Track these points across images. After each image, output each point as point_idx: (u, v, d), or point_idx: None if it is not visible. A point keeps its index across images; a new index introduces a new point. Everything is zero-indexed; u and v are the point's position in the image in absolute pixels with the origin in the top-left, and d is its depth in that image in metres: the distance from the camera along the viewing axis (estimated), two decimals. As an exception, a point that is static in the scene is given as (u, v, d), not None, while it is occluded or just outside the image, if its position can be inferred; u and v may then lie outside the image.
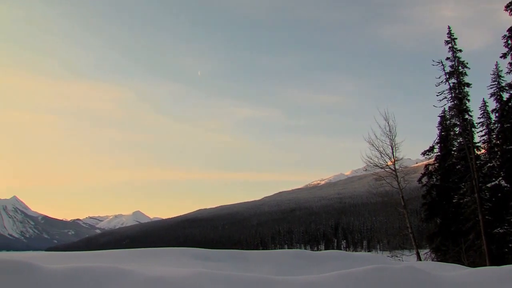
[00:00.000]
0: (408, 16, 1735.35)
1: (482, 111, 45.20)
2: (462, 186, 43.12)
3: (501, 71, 43.26)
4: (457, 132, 45.25)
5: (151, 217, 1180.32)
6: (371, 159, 42.67)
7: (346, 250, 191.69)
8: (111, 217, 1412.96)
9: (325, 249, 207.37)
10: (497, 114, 42.65)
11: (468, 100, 43.26)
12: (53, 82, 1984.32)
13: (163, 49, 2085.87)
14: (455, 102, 43.09)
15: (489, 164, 42.86)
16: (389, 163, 42.77)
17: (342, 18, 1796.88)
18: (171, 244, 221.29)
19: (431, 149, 47.34)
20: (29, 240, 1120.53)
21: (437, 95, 43.98)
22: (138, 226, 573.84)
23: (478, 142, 44.14)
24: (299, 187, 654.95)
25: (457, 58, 42.89)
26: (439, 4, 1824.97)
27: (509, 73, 40.07)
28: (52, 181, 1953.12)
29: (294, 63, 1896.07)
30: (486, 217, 38.52)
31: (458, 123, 44.09)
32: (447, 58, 43.16)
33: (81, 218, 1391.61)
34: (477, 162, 40.28)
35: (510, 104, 40.85)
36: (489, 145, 44.32)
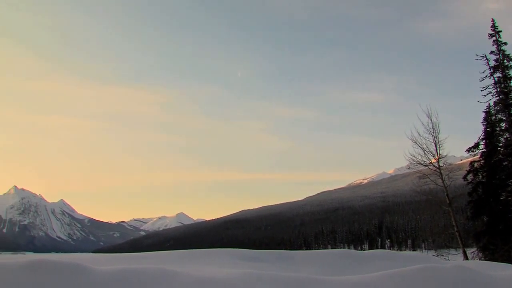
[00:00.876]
0: (450, 10, 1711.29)
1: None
2: (510, 183, 42.08)
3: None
4: (503, 128, 44.14)
5: (195, 218, 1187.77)
6: (414, 157, 41.97)
7: (391, 250, 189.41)
8: (155, 219, 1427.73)
9: (369, 248, 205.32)
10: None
11: (515, 94, 42.26)
12: (97, 87, 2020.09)
13: (203, 52, 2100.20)
14: (500, 96, 42.10)
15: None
16: (433, 160, 42.04)
17: (381, 15, 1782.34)
18: (215, 245, 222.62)
19: (476, 145, 46.26)
20: (76, 242, 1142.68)
21: (481, 90, 43.11)
22: (181, 228, 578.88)
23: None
24: (342, 186, 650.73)
25: (502, 52, 41.92)
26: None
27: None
28: (98, 184, 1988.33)
29: (335, 62, 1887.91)
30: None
31: (504, 118, 42.98)
32: (491, 52, 42.22)
33: (126, 220, 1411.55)
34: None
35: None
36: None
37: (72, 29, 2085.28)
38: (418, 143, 41.43)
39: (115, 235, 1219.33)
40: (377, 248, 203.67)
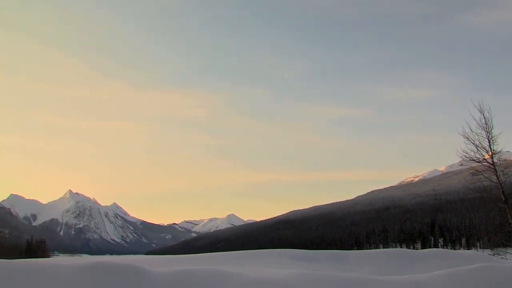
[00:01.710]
0: (501, 2, 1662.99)
1: None
2: None
3: None
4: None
5: (245, 219, 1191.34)
6: (466, 153, 41.00)
7: (444, 248, 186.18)
8: (206, 220, 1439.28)
9: (422, 247, 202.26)
10: None
11: None
12: (146, 92, 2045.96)
13: (250, 54, 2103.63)
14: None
15: None
16: (487, 156, 41.06)
17: (430, 9, 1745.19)
18: (265, 246, 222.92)
19: (533, 139, 45.06)
20: (129, 244, 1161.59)
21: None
22: (232, 229, 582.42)
23: None
24: (392, 185, 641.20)
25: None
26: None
27: None
28: (149, 187, 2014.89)
29: (383, 59, 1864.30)
30: None
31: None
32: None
33: (177, 223, 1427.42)
34: None
35: None
36: None
37: (118, 36, 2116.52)
38: (470, 139, 40.48)
39: (167, 237, 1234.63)
40: (430, 247, 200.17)
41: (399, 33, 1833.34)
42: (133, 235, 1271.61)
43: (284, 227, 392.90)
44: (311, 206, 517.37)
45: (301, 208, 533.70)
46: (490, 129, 40.20)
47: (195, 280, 12.62)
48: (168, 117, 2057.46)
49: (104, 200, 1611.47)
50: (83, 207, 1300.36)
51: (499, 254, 43.56)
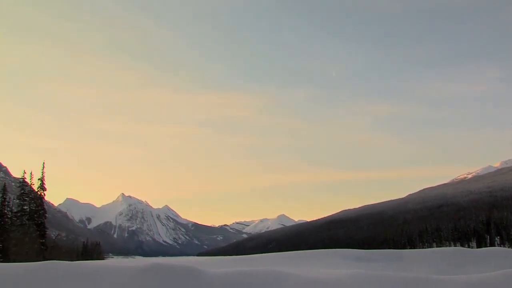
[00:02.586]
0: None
1: None
2: None
3: None
4: None
5: (296, 220, 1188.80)
6: (523, 148, 39.81)
7: (502, 247, 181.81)
8: (256, 221, 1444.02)
9: (477, 246, 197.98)
10: None
11: None
12: (195, 94, 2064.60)
13: (295, 53, 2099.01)
14: None
15: None
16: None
17: (478, 2, 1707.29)
18: (316, 246, 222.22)
19: None
20: (181, 246, 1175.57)
21: None
22: (283, 230, 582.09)
23: None
24: (445, 182, 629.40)
25: None
26: None
27: None
28: (200, 189, 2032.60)
29: (433, 54, 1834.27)
30: None
31: None
32: None
33: (228, 224, 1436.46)
34: None
35: None
36: None
37: (160, 42, 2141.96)
38: (527, 134, 39.17)
39: (218, 238, 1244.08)
40: (485, 246, 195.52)
41: (449, 27, 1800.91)
42: (184, 237, 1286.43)
43: (335, 227, 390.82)
44: (362, 205, 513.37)
45: (352, 207, 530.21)
46: (547, 124, 38.71)
47: (251, 281, 12.59)
48: (216, 119, 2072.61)
49: (156, 202, 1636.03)
50: (135, 210, 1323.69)
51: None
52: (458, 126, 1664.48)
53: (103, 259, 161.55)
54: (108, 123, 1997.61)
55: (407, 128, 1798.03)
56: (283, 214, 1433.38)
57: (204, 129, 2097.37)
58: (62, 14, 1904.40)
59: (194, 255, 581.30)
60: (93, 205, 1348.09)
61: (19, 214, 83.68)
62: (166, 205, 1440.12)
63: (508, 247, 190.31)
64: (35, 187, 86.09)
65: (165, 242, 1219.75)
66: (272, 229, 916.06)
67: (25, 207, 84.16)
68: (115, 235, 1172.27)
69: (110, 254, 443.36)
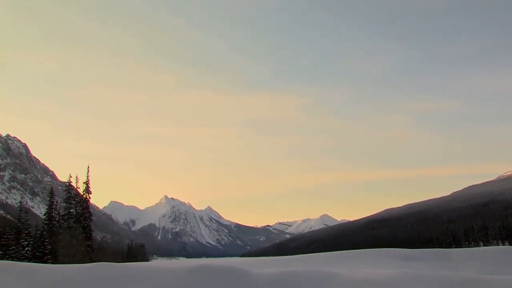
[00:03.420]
0: None
1: None
2: None
3: None
4: None
5: (339, 219, 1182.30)
6: None
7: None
8: (299, 221, 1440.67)
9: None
10: None
11: None
12: (234, 95, 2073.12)
13: (334, 53, 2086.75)
14: None
15: None
16: None
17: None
18: (360, 245, 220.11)
19: None
20: (224, 247, 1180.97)
21: None
22: (326, 230, 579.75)
23: None
24: (491, 179, 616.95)
25: None
26: None
27: None
28: (242, 190, 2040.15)
29: (476, 49, 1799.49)
30: None
31: None
32: None
33: (271, 224, 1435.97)
34: None
35: None
36: None
37: (202, 45, 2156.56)
38: None
39: (261, 239, 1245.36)
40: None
41: (493, 21, 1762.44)
42: (228, 238, 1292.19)
43: (378, 226, 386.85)
44: (405, 204, 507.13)
45: (395, 206, 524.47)
46: None
47: (300, 281, 12.58)
48: (257, 120, 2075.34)
49: (198, 204, 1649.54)
50: (178, 212, 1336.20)
51: None
52: (503, 121, 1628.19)
53: (148, 261, 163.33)
54: (151, 127, 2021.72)
55: (451, 124, 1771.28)
56: (326, 214, 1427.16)
57: (245, 130, 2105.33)
58: (101, 19, 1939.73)
59: (237, 256, 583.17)
60: (137, 208, 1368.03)
61: (66, 217, 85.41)
62: (208, 206, 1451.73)
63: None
64: (81, 190, 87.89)
65: (208, 243, 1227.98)
66: (315, 229, 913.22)
67: (72, 210, 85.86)
68: (159, 237, 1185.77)
69: (154, 255, 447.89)
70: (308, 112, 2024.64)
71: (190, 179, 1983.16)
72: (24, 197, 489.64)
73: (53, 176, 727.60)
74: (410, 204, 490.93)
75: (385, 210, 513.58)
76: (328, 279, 12.75)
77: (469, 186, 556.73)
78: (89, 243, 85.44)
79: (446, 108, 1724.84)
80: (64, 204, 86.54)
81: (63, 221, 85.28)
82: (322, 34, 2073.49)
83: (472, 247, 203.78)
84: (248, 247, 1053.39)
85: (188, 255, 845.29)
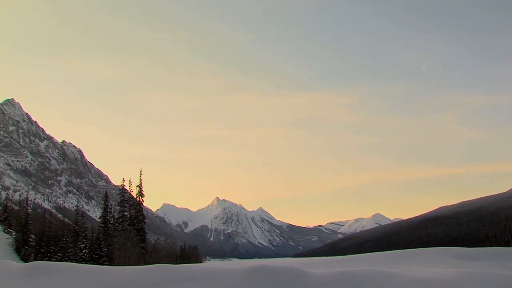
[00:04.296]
0: None
1: None
2: None
3: None
4: None
5: (391, 218, 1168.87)
6: None
7: None
8: (351, 221, 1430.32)
9: None
10: None
11: None
12: (282, 96, 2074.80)
13: (383, 49, 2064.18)
14: None
15: None
16: None
17: None
18: (413, 245, 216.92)
19: None
20: (276, 247, 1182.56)
21: None
22: (378, 229, 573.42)
23: None
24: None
25: None
26: None
27: None
28: (293, 190, 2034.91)
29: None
30: None
31: None
32: None
33: (322, 224, 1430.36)
34: None
35: None
36: None
37: (249, 45, 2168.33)
38: None
39: (313, 239, 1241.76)
40: None
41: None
42: (279, 238, 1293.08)
43: (432, 224, 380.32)
44: (460, 201, 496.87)
45: (449, 204, 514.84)
46: None
47: (358, 281, 12.34)
48: (305, 119, 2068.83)
49: (250, 205, 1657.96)
50: (230, 213, 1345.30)
51: None
52: None
53: (201, 262, 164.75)
54: (201, 129, 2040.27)
55: (505, 119, 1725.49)
56: (379, 213, 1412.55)
57: (295, 130, 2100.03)
58: (151, 27, 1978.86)
59: (289, 257, 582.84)
60: (189, 210, 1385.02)
61: (120, 220, 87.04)
62: (260, 207, 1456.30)
63: None
64: (134, 194, 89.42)
65: (260, 244, 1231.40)
66: (367, 228, 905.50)
67: (126, 213, 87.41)
68: (211, 238, 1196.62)
69: (207, 257, 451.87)
70: (357, 110, 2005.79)
71: (241, 180, 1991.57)
72: (80, 201, 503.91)
73: (107, 180, 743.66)
74: (464, 201, 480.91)
75: (439, 208, 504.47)
76: (387, 278, 12.45)
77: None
78: (143, 245, 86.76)
79: (501, 101, 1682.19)
80: (118, 207, 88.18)
81: (117, 224, 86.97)
82: (371, 30, 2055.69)
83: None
84: (301, 248, 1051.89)
85: (241, 256, 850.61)
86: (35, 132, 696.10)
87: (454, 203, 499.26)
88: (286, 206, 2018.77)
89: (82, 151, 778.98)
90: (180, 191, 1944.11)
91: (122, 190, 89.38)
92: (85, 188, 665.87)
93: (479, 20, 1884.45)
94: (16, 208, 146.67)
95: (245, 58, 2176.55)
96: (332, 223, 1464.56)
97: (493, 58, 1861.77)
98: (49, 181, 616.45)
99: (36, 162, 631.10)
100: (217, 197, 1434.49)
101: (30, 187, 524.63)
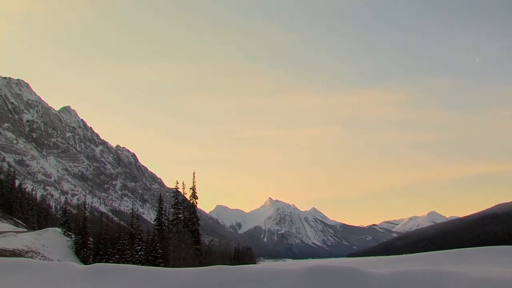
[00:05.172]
0: None
1: None
2: None
3: None
4: None
5: (447, 216, 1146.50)
6: None
7: None
8: (406, 220, 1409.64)
9: None
10: None
11: None
12: (331, 95, 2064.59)
13: (435, 43, 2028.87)
14: None
15: None
16: None
17: None
18: (470, 243, 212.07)
19: None
20: (330, 247, 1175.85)
21: None
22: (434, 227, 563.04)
23: None
24: None
25: None
26: None
27: None
28: (346, 190, 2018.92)
29: None
30: None
31: None
32: None
33: (376, 223, 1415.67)
34: None
35: None
36: None
37: (296, 45, 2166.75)
38: None
39: (367, 238, 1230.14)
40: None
41: None
42: (333, 238, 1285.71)
43: (490, 222, 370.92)
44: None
45: (508, 200, 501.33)
46: None
47: (419, 280, 12.17)
48: (356, 118, 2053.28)
49: (302, 205, 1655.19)
50: (283, 214, 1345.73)
51: None
52: None
53: (255, 263, 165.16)
54: (252, 130, 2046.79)
55: None
56: (434, 211, 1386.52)
57: (345, 129, 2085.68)
58: (201, 32, 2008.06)
59: (343, 257, 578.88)
60: (242, 211, 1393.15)
61: (175, 222, 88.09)
62: (313, 207, 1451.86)
63: None
64: (188, 196, 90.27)
65: (314, 244, 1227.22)
66: (422, 227, 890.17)
67: (180, 215, 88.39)
68: (265, 239, 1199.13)
69: (261, 257, 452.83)
70: (408, 108, 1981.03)
71: (293, 180, 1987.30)
72: (135, 204, 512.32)
73: (160, 183, 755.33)
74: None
75: (497, 205, 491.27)
76: (447, 278, 12.21)
77: None
78: (198, 246, 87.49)
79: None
80: (173, 210, 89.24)
81: (172, 226, 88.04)
82: (421, 25, 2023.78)
83: None
84: (355, 247, 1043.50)
85: (295, 257, 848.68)
86: (90, 138, 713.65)
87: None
88: (339, 206, 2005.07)
89: (136, 155, 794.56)
90: (233, 193, 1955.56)
91: (175, 193, 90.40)
92: (140, 191, 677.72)
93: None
94: (75, 211, 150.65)
95: (295, 59, 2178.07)
96: (386, 222, 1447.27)
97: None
98: (105, 185, 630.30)
99: (92, 167, 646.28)
100: (270, 198, 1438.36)
101: (87, 191, 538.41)
